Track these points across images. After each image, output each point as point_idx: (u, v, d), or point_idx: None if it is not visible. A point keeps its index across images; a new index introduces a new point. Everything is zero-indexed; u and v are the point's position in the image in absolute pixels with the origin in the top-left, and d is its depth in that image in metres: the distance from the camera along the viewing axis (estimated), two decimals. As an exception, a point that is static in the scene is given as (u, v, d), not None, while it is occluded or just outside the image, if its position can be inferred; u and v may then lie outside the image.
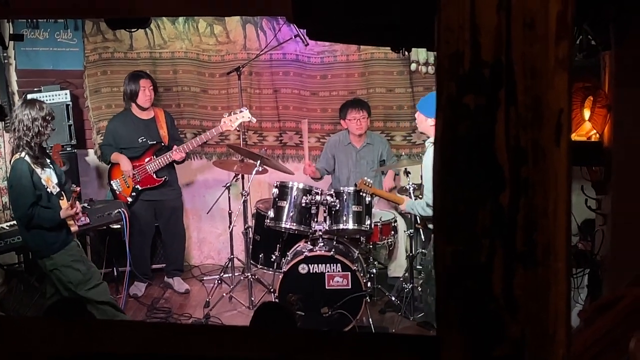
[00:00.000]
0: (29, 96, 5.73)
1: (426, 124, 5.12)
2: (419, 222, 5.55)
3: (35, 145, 4.69)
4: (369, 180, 5.37)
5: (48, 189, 4.71)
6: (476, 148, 0.96)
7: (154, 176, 6.13)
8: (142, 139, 6.14)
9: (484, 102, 0.96)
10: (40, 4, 2.62)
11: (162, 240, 6.53)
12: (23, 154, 4.67)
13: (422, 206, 5.11)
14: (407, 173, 5.65)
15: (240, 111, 6.01)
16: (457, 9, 0.95)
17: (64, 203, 4.76)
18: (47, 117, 4.73)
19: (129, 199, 6.09)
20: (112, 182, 6.17)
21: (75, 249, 4.91)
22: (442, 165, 1.00)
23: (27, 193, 4.64)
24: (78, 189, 4.97)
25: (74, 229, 4.84)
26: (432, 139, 5.04)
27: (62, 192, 4.80)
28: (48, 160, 4.85)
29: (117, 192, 6.13)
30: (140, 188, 6.13)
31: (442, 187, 1.00)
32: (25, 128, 4.65)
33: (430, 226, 5.29)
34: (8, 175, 5.00)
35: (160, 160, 6.10)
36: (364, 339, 1.24)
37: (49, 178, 4.73)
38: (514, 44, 0.95)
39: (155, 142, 6.17)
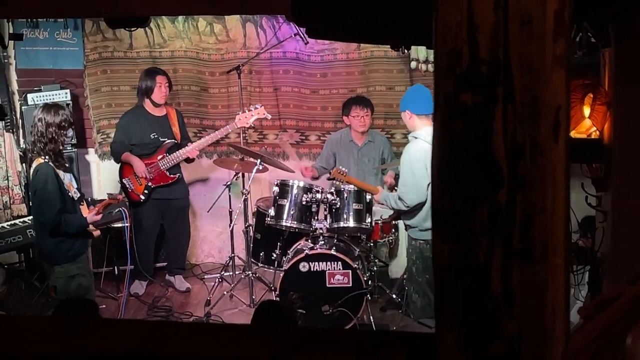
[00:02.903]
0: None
1: (405, 119, 5.18)
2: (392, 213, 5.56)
3: (51, 151, 4.53)
4: (343, 169, 5.37)
5: (70, 194, 4.61)
6: (474, 146, 0.96)
7: (167, 173, 6.11)
8: (154, 136, 6.10)
9: (482, 99, 0.96)
10: (40, 3, 2.62)
11: (166, 238, 6.49)
12: (47, 157, 4.53)
13: (395, 199, 5.10)
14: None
15: (255, 107, 5.98)
16: (454, 7, 0.96)
17: (84, 209, 4.70)
18: (62, 124, 4.55)
19: (142, 197, 6.05)
20: (123, 180, 6.12)
21: (84, 262, 4.84)
22: (440, 163, 1.00)
23: (53, 198, 4.49)
24: (120, 196, 4.92)
25: (96, 233, 4.78)
26: (414, 134, 5.04)
27: (83, 198, 4.76)
28: (67, 165, 4.75)
29: (129, 190, 6.08)
30: (152, 186, 6.10)
31: (439, 185, 1.00)
32: (38, 134, 4.52)
33: (406, 221, 5.26)
34: (30, 179, 4.80)
35: (173, 158, 6.08)
36: (364, 337, 1.24)
37: (70, 183, 4.64)
38: (511, 42, 0.95)
39: (167, 139, 6.15)
